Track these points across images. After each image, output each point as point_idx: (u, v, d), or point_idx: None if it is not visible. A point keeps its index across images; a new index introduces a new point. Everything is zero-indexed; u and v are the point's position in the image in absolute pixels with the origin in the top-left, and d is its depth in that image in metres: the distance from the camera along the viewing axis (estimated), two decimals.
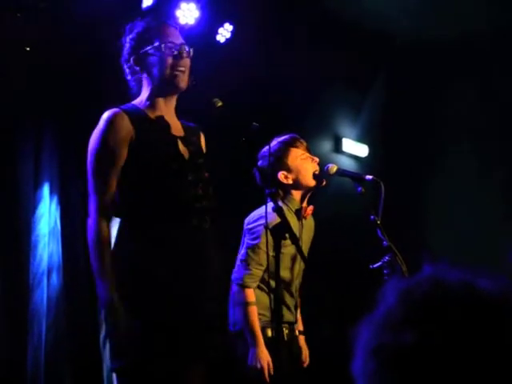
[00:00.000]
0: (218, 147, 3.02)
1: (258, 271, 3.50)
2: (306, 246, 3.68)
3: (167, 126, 2.92)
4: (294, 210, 3.64)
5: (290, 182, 3.64)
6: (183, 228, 2.81)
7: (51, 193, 4.56)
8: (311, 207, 3.71)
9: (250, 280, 3.49)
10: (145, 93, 2.95)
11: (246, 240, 3.56)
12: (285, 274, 3.55)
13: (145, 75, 2.94)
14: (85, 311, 4.60)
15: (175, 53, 2.90)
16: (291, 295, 3.60)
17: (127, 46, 2.98)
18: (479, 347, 0.91)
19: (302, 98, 5.79)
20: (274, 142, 3.66)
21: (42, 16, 4.31)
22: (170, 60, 2.89)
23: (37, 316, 4.34)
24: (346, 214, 3.67)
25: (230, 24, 5.16)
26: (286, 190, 3.66)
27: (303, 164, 3.65)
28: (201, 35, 4.60)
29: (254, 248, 3.50)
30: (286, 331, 3.57)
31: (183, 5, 4.78)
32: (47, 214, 4.52)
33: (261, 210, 3.52)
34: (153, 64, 2.91)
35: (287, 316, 3.58)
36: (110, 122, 2.80)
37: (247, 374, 3.40)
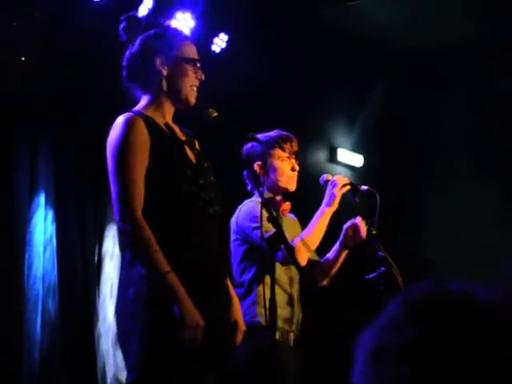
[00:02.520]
0: (213, 156, 3.01)
1: None
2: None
3: (174, 131, 2.92)
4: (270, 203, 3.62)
5: (262, 174, 3.63)
6: (198, 233, 2.78)
7: (46, 205, 4.55)
8: (288, 204, 3.70)
9: None
10: (151, 97, 2.92)
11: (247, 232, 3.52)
12: (291, 271, 3.56)
13: (164, 79, 2.91)
14: (79, 317, 4.60)
15: (197, 72, 2.94)
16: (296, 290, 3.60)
17: (152, 40, 2.92)
18: (476, 346, 0.91)
19: (298, 107, 5.80)
20: (270, 134, 3.67)
21: (38, 25, 4.32)
22: (193, 77, 2.92)
23: (31, 324, 4.34)
24: (341, 224, 3.67)
25: (226, 34, 5.17)
26: (259, 180, 3.64)
27: (281, 165, 3.64)
28: (196, 45, 4.60)
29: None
30: (293, 336, 3.55)
31: (179, 14, 4.79)
32: (42, 224, 4.51)
33: (249, 208, 3.52)
34: (175, 73, 2.90)
35: (297, 313, 3.57)
36: (130, 124, 2.75)
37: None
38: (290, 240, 3.42)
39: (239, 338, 2.93)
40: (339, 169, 6.39)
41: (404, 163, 6.60)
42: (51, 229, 4.55)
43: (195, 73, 2.94)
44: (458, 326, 0.92)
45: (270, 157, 3.63)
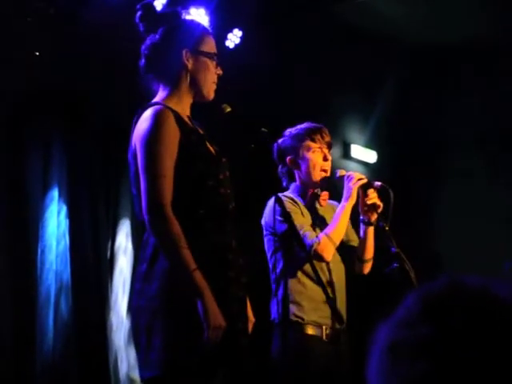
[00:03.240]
0: (227, 153, 3.01)
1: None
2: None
3: (196, 126, 2.90)
4: (302, 197, 3.64)
5: (296, 168, 3.65)
6: (219, 229, 2.77)
7: (60, 200, 4.56)
8: (326, 193, 3.70)
9: None
10: (171, 90, 2.88)
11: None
12: (330, 264, 3.55)
13: (188, 73, 2.89)
14: (92, 312, 4.62)
15: (216, 68, 2.94)
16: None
17: (178, 32, 2.90)
18: (493, 344, 0.91)
19: (311, 103, 5.79)
20: (300, 126, 3.68)
21: (52, 20, 4.33)
22: (213, 73, 2.92)
23: (44, 318, 4.36)
24: (354, 220, 3.66)
25: (239, 30, 5.16)
26: (293, 175, 3.67)
27: (313, 156, 3.64)
28: None
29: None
30: (326, 330, 3.53)
31: (193, 10, 4.79)
32: (55, 218, 4.53)
33: (271, 207, 3.54)
34: (199, 67, 2.88)
35: (336, 307, 3.53)
36: (162, 118, 2.72)
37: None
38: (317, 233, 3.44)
39: (250, 329, 2.92)
40: (353, 165, 6.39)
41: (417, 159, 6.58)
42: (64, 224, 4.57)
43: (215, 67, 2.93)
44: (474, 323, 0.92)
45: (301, 149, 3.63)
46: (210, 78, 2.91)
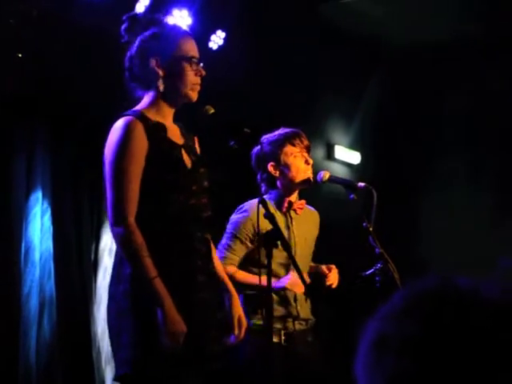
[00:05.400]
0: (210, 154, 3.01)
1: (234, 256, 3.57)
2: (300, 239, 3.70)
3: (172, 135, 2.92)
4: (278, 204, 3.67)
5: (278, 174, 3.65)
6: (189, 240, 2.83)
7: (43, 203, 4.54)
8: (302, 202, 3.72)
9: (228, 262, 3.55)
10: (151, 98, 2.91)
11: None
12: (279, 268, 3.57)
13: (161, 80, 2.90)
14: (76, 314, 4.59)
15: (196, 69, 2.93)
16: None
17: (148, 41, 2.92)
18: (480, 345, 0.91)
19: (295, 105, 5.80)
20: (277, 132, 3.69)
21: (35, 23, 4.31)
22: (192, 75, 2.91)
23: (28, 324, 4.33)
24: (338, 221, 3.68)
25: (223, 31, 5.16)
26: (274, 181, 3.67)
27: (294, 161, 3.66)
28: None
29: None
30: (291, 325, 3.57)
31: (175, 11, 4.78)
32: (39, 221, 4.50)
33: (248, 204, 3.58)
34: (173, 72, 2.90)
35: (291, 310, 3.58)
36: (130, 130, 2.77)
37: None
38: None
39: (241, 334, 2.98)
40: (336, 166, 6.40)
41: (400, 161, 6.59)
42: (48, 225, 4.54)
43: (195, 70, 2.93)
44: (462, 322, 0.92)
45: (282, 155, 3.65)
46: (189, 80, 2.91)
